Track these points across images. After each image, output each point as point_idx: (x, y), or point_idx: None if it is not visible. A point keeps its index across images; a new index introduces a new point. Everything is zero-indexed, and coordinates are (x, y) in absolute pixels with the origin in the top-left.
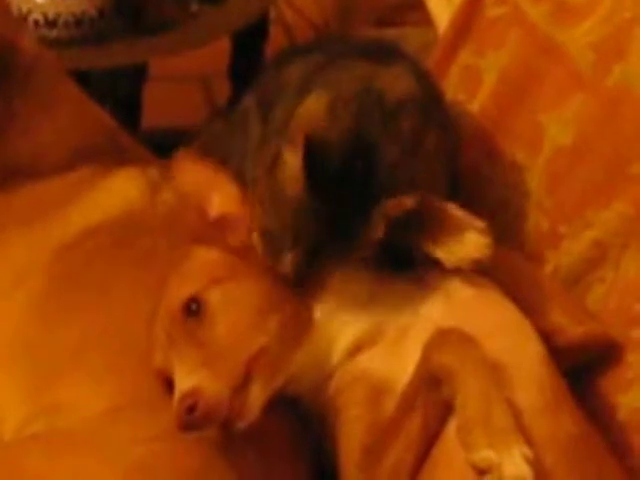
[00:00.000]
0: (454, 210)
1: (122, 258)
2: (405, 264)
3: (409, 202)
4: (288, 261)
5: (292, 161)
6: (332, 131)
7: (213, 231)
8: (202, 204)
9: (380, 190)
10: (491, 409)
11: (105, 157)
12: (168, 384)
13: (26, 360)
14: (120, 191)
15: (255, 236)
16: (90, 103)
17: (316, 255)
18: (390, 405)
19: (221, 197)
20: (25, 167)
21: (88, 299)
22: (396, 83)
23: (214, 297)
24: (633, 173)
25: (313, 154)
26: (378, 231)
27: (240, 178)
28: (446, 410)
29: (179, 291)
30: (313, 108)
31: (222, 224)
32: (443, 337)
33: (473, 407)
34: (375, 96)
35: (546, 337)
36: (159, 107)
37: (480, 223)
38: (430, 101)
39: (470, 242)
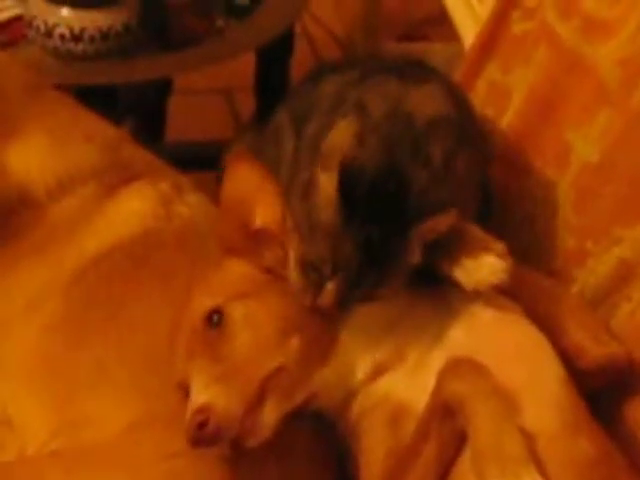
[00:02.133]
0: (475, 231)
1: (140, 276)
2: (430, 281)
3: (444, 225)
4: (329, 293)
5: (326, 187)
6: (363, 157)
7: (249, 244)
8: (245, 214)
9: (413, 214)
10: (502, 438)
11: (105, 176)
12: (187, 394)
13: (47, 379)
14: (131, 209)
15: (293, 267)
16: (79, 121)
17: (357, 284)
18: (411, 429)
19: (265, 210)
20: (17, 203)
21: (107, 318)
22: (427, 103)
23: (237, 312)
24: None
25: (346, 180)
26: (416, 255)
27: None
28: (461, 438)
29: (203, 300)
30: (344, 133)
31: (260, 238)
32: (455, 366)
33: (484, 436)
34: (404, 119)
35: (568, 358)
36: (184, 121)
37: (500, 246)
38: (462, 120)
39: (488, 266)
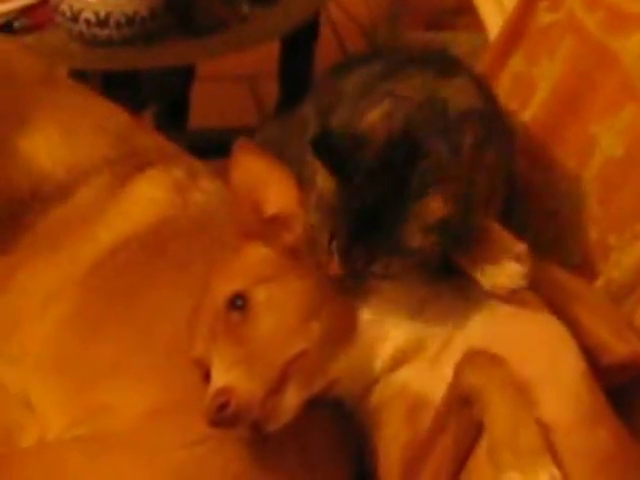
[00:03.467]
0: (497, 231)
1: (156, 265)
2: (452, 273)
3: (438, 206)
4: (335, 257)
5: (313, 157)
6: (380, 130)
7: (266, 228)
8: (258, 199)
9: (418, 193)
10: (518, 430)
11: (118, 165)
12: (206, 375)
13: (66, 368)
14: (145, 198)
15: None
16: (94, 111)
17: (352, 253)
18: (429, 420)
19: (278, 194)
20: (29, 196)
21: (125, 308)
22: (459, 95)
23: (260, 295)
24: None
25: (343, 151)
26: (416, 239)
27: (298, 180)
28: (477, 430)
29: (226, 285)
30: (376, 114)
31: (277, 222)
32: (472, 358)
33: (500, 428)
34: (439, 106)
35: (590, 354)
36: (207, 108)
37: (521, 248)
38: (491, 114)
39: (506, 271)
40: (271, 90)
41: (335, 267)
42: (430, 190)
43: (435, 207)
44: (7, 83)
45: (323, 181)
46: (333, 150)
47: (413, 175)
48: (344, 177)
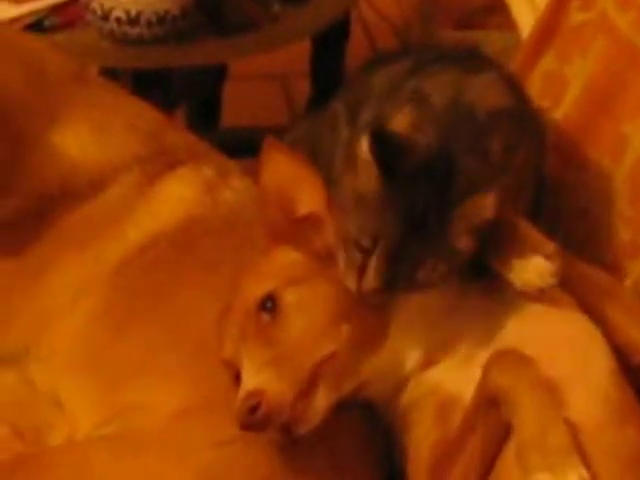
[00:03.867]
0: (527, 229)
1: (185, 264)
2: (483, 273)
3: (485, 206)
4: (372, 271)
5: (363, 150)
6: (417, 138)
7: (296, 230)
8: (287, 199)
9: (459, 200)
10: (547, 430)
11: (148, 163)
12: (235, 376)
13: (94, 366)
14: (175, 196)
15: (337, 247)
16: (124, 109)
17: (398, 259)
18: (457, 420)
19: (309, 196)
20: (59, 192)
21: (153, 306)
22: (487, 94)
23: (290, 297)
24: None
25: (382, 144)
26: (463, 241)
27: (327, 179)
28: (505, 431)
29: (256, 287)
30: (401, 122)
31: (307, 224)
32: (501, 358)
33: (529, 429)
34: (466, 110)
35: (621, 354)
36: (239, 106)
37: (550, 246)
38: (521, 111)
39: (536, 268)
40: (303, 89)
41: (371, 281)
42: (474, 193)
43: (481, 209)
44: (38, 81)
45: (366, 183)
46: (387, 150)
47: (454, 181)
48: (395, 177)
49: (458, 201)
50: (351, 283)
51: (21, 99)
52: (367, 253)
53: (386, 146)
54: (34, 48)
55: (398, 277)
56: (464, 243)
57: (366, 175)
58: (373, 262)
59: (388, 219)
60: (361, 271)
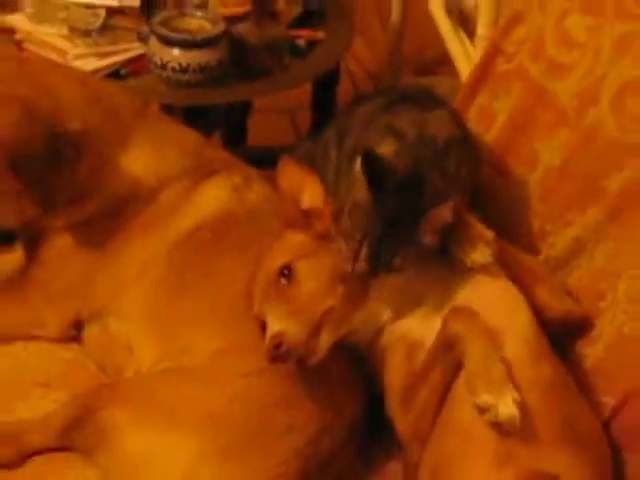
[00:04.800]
0: (474, 222)
1: (221, 244)
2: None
3: (444, 215)
4: (362, 257)
5: (358, 169)
6: (398, 163)
7: (302, 219)
8: (296, 198)
9: (428, 206)
10: (489, 365)
11: (193, 173)
12: (262, 326)
13: (155, 321)
14: (212, 196)
15: (337, 239)
16: (175, 134)
17: (379, 251)
18: (421, 358)
19: (310, 194)
20: (127, 197)
21: (201, 276)
22: (442, 127)
23: (302, 266)
24: (603, 187)
25: (372, 167)
26: (428, 237)
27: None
28: (458, 366)
29: (275, 261)
30: (386, 150)
31: (309, 215)
32: (455, 313)
33: (476, 364)
34: (429, 140)
35: (537, 311)
36: (259, 131)
37: (489, 235)
38: (465, 138)
39: (480, 251)
40: (305, 119)
41: (362, 263)
42: (438, 202)
43: (442, 215)
44: (112, 115)
45: (359, 193)
46: (374, 170)
47: (423, 193)
48: (380, 190)
49: (426, 208)
50: (347, 267)
51: (100, 129)
52: (359, 245)
53: (374, 167)
54: (111, 91)
55: (380, 263)
56: (429, 239)
57: (358, 188)
58: (363, 252)
59: (374, 221)
60: (354, 258)
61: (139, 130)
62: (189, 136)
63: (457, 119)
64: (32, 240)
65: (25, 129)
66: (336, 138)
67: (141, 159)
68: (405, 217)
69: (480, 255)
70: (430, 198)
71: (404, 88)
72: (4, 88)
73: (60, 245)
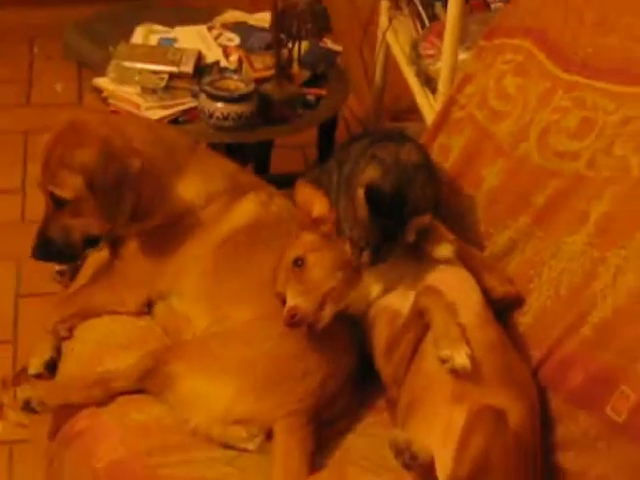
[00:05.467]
0: (440, 227)
1: (253, 244)
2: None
3: (424, 222)
4: (366, 256)
5: (360, 198)
6: (385, 185)
7: (312, 224)
8: (308, 209)
9: (409, 215)
10: (449, 328)
11: (231, 194)
12: (283, 301)
13: (207, 298)
14: (245, 209)
15: (347, 244)
16: (218, 164)
17: (378, 251)
18: (399, 324)
19: (318, 206)
20: (184, 212)
21: (238, 266)
22: (412, 156)
23: (311, 258)
24: (531, 201)
25: (370, 195)
26: (411, 237)
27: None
28: (426, 329)
29: (292, 253)
30: (374, 173)
31: (317, 221)
32: (425, 290)
33: (439, 327)
34: (402, 165)
35: (484, 291)
36: (280, 162)
37: (450, 237)
38: (430, 165)
39: (443, 248)
40: (312, 153)
41: (366, 260)
42: (417, 214)
43: (423, 222)
44: (171, 151)
45: (361, 212)
46: (373, 199)
47: (406, 209)
48: (377, 212)
49: (409, 220)
50: (355, 262)
51: (161, 163)
52: (361, 249)
53: (372, 197)
54: (171, 133)
55: (378, 258)
56: (412, 238)
57: (361, 210)
58: (366, 253)
59: (373, 232)
60: (359, 256)
61: (191, 162)
62: (228, 166)
63: (423, 151)
64: (114, 243)
65: (102, 160)
66: (336, 167)
67: (193, 185)
68: (395, 227)
69: (444, 250)
70: (411, 212)
71: (384, 130)
72: (91, 130)
73: (135, 246)
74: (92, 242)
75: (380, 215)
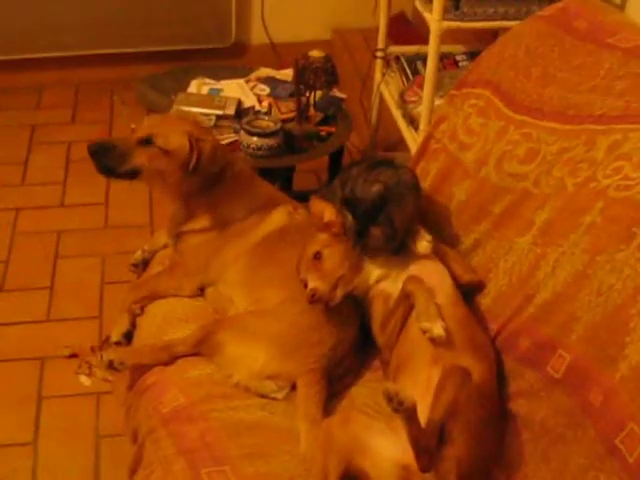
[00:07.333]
0: (420, 229)
1: (282, 243)
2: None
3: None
4: (359, 245)
5: (350, 218)
6: (377, 200)
7: (325, 227)
8: (320, 216)
9: (406, 220)
10: (428, 307)
11: (265, 208)
12: (305, 285)
13: (245, 284)
14: (275, 218)
15: (348, 237)
16: (257, 184)
17: (366, 244)
18: (391, 303)
19: (328, 214)
20: (230, 221)
21: (270, 260)
22: (404, 177)
23: (325, 252)
24: (490, 211)
25: (352, 205)
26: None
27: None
28: (411, 308)
29: (311, 249)
30: (373, 191)
31: (328, 225)
32: (410, 278)
33: (421, 306)
34: (397, 183)
35: (454, 279)
36: (300, 182)
37: (429, 236)
38: (415, 184)
39: (424, 245)
40: (324, 175)
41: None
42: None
43: (399, 223)
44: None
45: (346, 218)
46: (356, 207)
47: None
48: (358, 219)
49: (396, 224)
50: (356, 250)
51: (242, 174)
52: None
53: (356, 210)
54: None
55: (375, 251)
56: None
57: (347, 216)
58: (357, 248)
59: (355, 231)
60: (357, 245)
61: (242, 182)
62: (263, 185)
63: (411, 173)
64: (177, 241)
65: (213, 149)
66: (340, 186)
67: (240, 205)
68: (381, 228)
69: (424, 247)
70: (400, 218)
71: (378, 157)
72: (209, 131)
73: (191, 243)
74: (131, 175)
75: (364, 222)
